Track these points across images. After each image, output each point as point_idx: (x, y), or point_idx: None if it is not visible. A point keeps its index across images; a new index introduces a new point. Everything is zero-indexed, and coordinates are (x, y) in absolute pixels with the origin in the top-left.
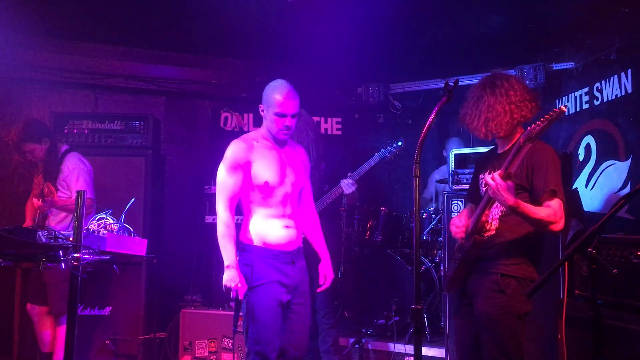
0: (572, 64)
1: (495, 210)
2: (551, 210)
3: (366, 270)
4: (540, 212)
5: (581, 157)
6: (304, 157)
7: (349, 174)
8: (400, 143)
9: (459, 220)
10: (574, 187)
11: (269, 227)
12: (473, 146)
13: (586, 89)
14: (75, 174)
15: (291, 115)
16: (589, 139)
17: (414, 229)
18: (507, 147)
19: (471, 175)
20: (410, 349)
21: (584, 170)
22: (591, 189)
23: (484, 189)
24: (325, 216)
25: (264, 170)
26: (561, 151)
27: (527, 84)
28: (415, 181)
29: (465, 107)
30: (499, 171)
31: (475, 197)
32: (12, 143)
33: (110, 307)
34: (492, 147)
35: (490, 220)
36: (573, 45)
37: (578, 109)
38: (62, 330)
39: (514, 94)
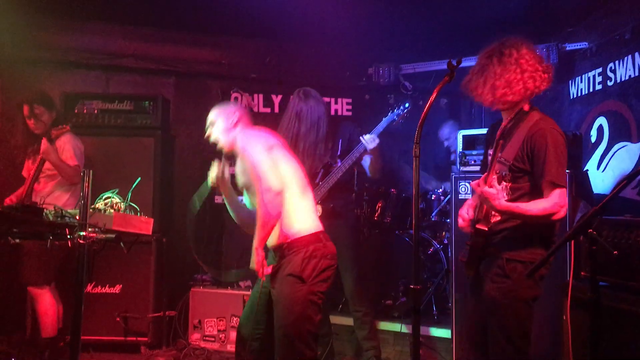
0: (586, 43)
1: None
2: (548, 202)
3: (374, 251)
4: (533, 208)
5: (593, 139)
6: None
7: (366, 135)
8: (407, 105)
9: (466, 212)
10: (585, 168)
11: None
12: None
13: (600, 70)
14: (68, 147)
15: None
16: (601, 121)
17: (413, 209)
18: (509, 124)
19: (479, 157)
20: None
21: (596, 152)
22: (603, 171)
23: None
24: (337, 191)
25: None
26: (571, 132)
27: None
28: (415, 161)
29: (470, 74)
30: (481, 179)
31: None
32: (27, 100)
33: (121, 286)
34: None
35: None
36: (587, 25)
37: (591, 90)
38: (41, 306)
39: (525, 62)
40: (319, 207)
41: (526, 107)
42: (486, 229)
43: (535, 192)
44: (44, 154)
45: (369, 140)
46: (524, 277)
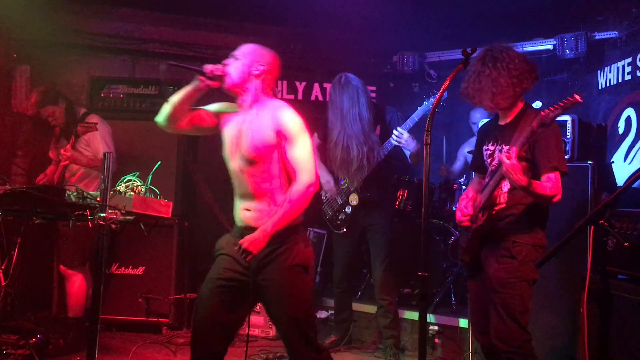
0: (616, 33)
1: (504, 184)
2: (552, 184)
3: (394, 239)
4: (547, 188)
5: (621, 130)
6: (277, 119)
7: (397, 128)
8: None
9: (465, 207)
10: (611, 160)
11: (235, 208)
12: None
13: (629, 60)
14: (98, 137)
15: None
16: (629, 112)
17: (423, 197)
18: (509, 120)
19: None
20: (434, 318)
21: (623, 143)
22: (630, 163)
23: (489, 161)
24: (373, 180)
25: (224, 138)
26: (596, 124)
27: (568, 53)
28: (425, 149)
29: (467, 81)
30: (514, 149)
31: (480, 167)
32: (33, 113)
33: (144, 267)
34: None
35: (500, 194)
36: (617, 14)
37: (620, 80)
38: (72, 287)
39: (515, 67)
40: (355, 196)
41: (521, 104)
42: (494, 213)
43: (535, 179)
44: (71, 160)
45: (397, 137)
46: (529, 259)
